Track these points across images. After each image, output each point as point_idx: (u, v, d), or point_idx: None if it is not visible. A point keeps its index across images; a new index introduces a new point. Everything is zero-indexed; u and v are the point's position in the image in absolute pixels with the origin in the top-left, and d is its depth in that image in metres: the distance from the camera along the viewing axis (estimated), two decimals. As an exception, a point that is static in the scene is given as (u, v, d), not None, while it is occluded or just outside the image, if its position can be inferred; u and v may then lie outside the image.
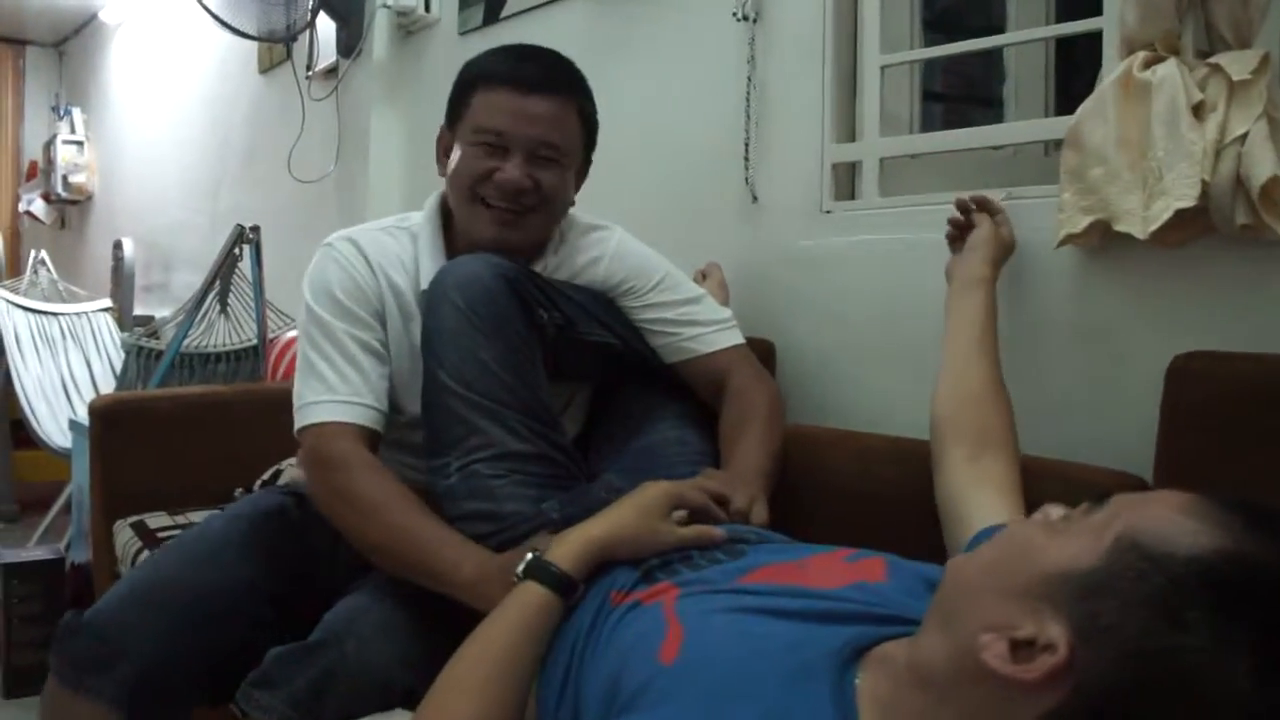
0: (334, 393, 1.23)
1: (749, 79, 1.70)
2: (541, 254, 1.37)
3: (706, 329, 1.39)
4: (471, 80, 1.31)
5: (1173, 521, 0.64)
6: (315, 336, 1.27)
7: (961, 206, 1.37)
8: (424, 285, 1.28)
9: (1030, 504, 1.07)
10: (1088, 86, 1.66)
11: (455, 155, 1.32)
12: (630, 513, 1.01)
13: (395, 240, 1.35)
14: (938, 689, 0.70)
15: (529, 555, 0.97)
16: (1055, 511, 0.73)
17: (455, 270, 1.21)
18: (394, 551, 1.13)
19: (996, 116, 1.72)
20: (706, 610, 0.86)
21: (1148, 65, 1.21)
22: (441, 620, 1.12)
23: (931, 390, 1.43)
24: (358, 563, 1.28)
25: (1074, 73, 1.64)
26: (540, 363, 1.23)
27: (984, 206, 1.36)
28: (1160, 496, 0.69)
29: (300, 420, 1.24)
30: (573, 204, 1.39)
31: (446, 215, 1.38)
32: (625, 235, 1.44)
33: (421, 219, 1.38)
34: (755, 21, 1.69)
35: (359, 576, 1.24)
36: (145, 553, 1.70)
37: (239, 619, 1.18)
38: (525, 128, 1.27)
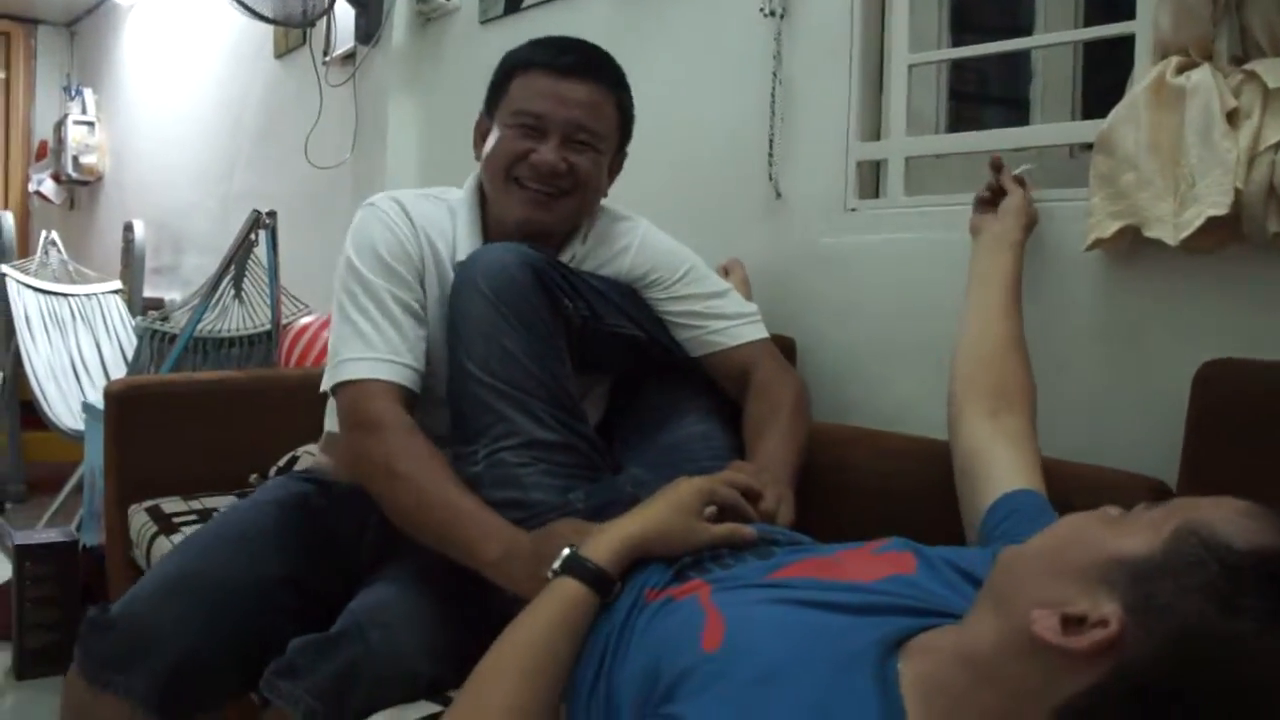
0: (374, 350, 1.22)
1: (774, 75, 1.69)
2: (569, 242, 1.37)
3: (732, 322, 1.40)
4: (511, 66, 1.32)
5: (1231, 519, 0.67)
6: (356, 293, 1.26)
7: (996, 164, 1.39)
8: (460, 257, 1.29)
9: (1054, 507, 1.06)
10: (1115, 89, 1.66)
11: (492, 138, 1.33)
12: (665, 510, 1.01)
13: (435, 208, 1.36)
14: (983, 668, 0.71)
15: (565, 551, 0.97)
16: (1114, 511, 0.74)
17: (483, 258, 1.21)
18: (424, 520, 1.13)
19: (1022, 117, 1.71)
20: (747, 602, 0.87)
21: (1181, 71, 1.21)
22: (467, 611, 1.13)
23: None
24: (381, 551, 1.29)
25: (1102, 75, 1.63)
26: (565, 353, 1.24)
27: (1018, 181, 1.39)
28: (1219, 500, 0.70)
29: (336, 376, 1.23)
30: (605, 194, 1.40)
31: (482, 198, 1.38)
32: (651, 227, 1.44)
33: (460, 195, 1.38)
34: (782, 18, 1.68)
35: (382, 565, 1.25)
36: (161, 538, 1.70)
37: (268, 609, 1.19)
38: (562, 110, 1.28)
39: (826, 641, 0.78)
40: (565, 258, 1.33)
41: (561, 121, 1.28)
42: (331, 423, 1.31)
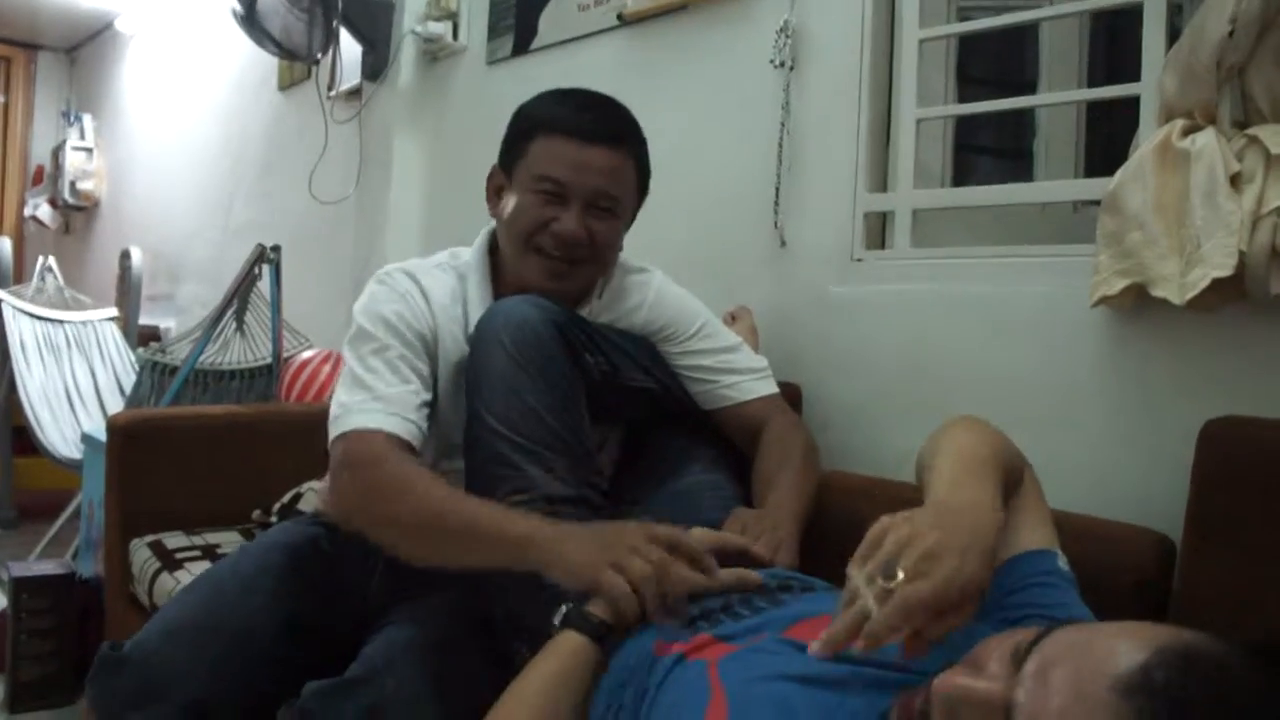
0: (375, 400, 1.21)
1: (783, 125, 1.72)
2: (586, 298, 1.38)
3: (743, 377, 1.41)
4: (532, 125, 1.32)
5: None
6: (363, 353, 1.26)
7: None
8: (471, 329, 1.29)
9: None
10: (1116, 145, 1.70)
11: (510, 201, 1.33)
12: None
13: (447, 278, 1.36)
14: None
15: (564, 607, 0.98)
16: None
17: (504, 312, 1.22)
18: (433, 526, 1.10)
19: (1025, 170, 1.75)
20: (749, 678, 0.86)
21: (1186, 134, 1.24)
22: (480, 656, 1.14)
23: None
24: (390, 595, 1.29)
25: (1103, 131, 1.67)
26: (584, 407, 1.25)
27: None
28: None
29: (337, 428, 1.21)
30: (620, 249, 1.41)
31: (492, 254, 1.39)
32: (664, 279, 1.46)
33: (470, 259, 1.39)
34: (791, 69, 1.71)
35: (392, 609, 1.25)
36: (164, 574, 1.70)
37: (279, 653, 1.19)
38: (585, 179, 1.29)
39: None
40: (584, 312, 1.35)
41: (584, 190, 1.29)
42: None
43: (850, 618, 0.76)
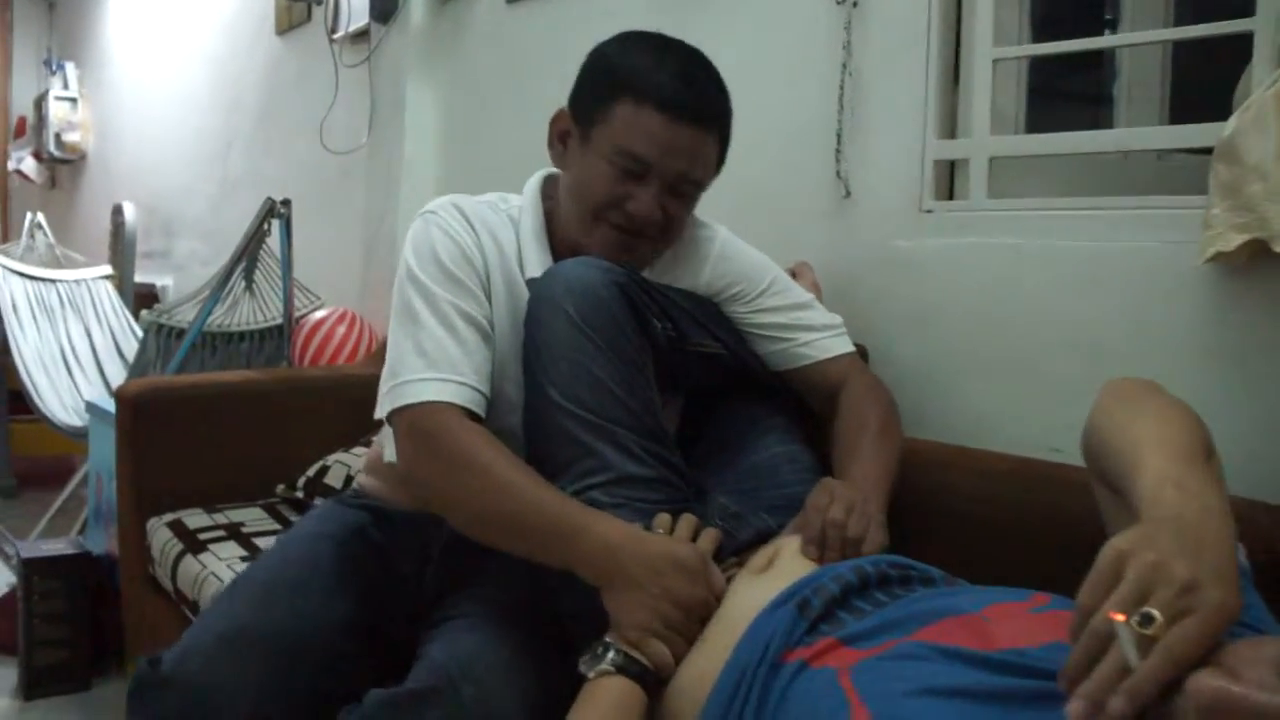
0: (435, 369, 1.10)
1: (844, 66, 1.59)
2: (648, 258, 1.27)
3: (820, 335, 1.31)
4: (619, 83, 1.17)
5: None
6: (416, 307, 1.14)
7: None
8: (528, 273, 1.19)
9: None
10: (1206, 89, 1.57)
11: (581, 162, 1.20)
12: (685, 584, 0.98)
13: (498, 217, 1.25)
14: None
15: (610, 652, 0.94)
16: None
17: (565, 276, 1.11)
18: (509, 517, 1.03)
19: (1101, 116, 1.63)
20: (893, 693, 0.77)
21: (1314, 74, 1.12)
22: (560, 656, 1.04)
23: (1044, 407, 1.38)
24: (446, 584, 1.19)
25: (1193, 73, 1.54)
26: (653, 377, 1.14)
27: None
28: None
29: (395, 400, 1.10)
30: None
31: (545, 203, 1.27)
32: (729, 235, 1.35)
33: (523, 205, 1.27)
34: (854, 5, 1.58)
35: (449, 600, 1.16)
36: (189, 557, 1.60)
37: (334, 659, 1.09)
38: (670, 161, 1.16)
39: None
40: (645, 273, 1.23)
41: (667, 170, 1.17)
42: (390, 452, 1.21)
43: (1108, 672, 0.64)
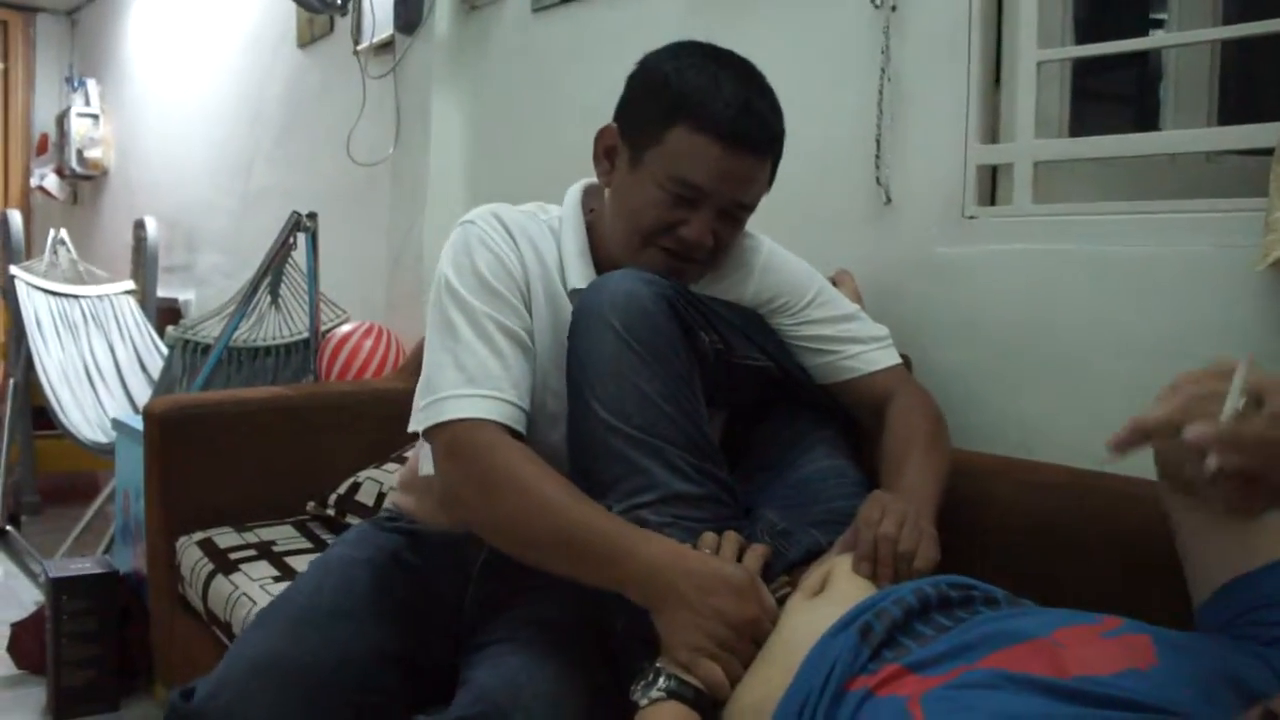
0: (474, 384, 1.07)
1: (883, 71, 1.56)
2: None
3: (867, 347, 1.28)
4: (674, 107, 1.12)
5: None
6: (453, 320, 1.11)
7: None
8: (570, 284, 1.16)
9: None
10: (1256, 89, 1.53)
11: (632, 185, 1.16)
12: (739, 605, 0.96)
13: (538, 228, 1.22)
14: None
15: (662, 678, 0.92)
16: None
17: (610, 289, 1.08)
18: (553, 536, 0.99)
19: (1146, 118, 1.59)
20: None
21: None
22: (608, 678, 1.02)
23: (1093, 416, 1.34)
24: (487, 607, 1.16)
25: (1241, 73, 1.50)
26: (700, 392, 1.11)
27: None
28: None
29: (433, 417, 1.07)
30: None
31: (588, 209, 1.25)
32: (773, 244, 1.32)
33: (563, 215, 1.24)
34: (893, 9, 1.55)
35: (491, 624, 1.12)
36: (220, 577, 1.57)
37: (371, 690, 1.06)
38: (725, 188, 1.13)
39: None
40: (690, 285, 1.20)
41: (721, 199, 1.14)
42: (426, 466, 1.18)
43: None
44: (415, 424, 1.12)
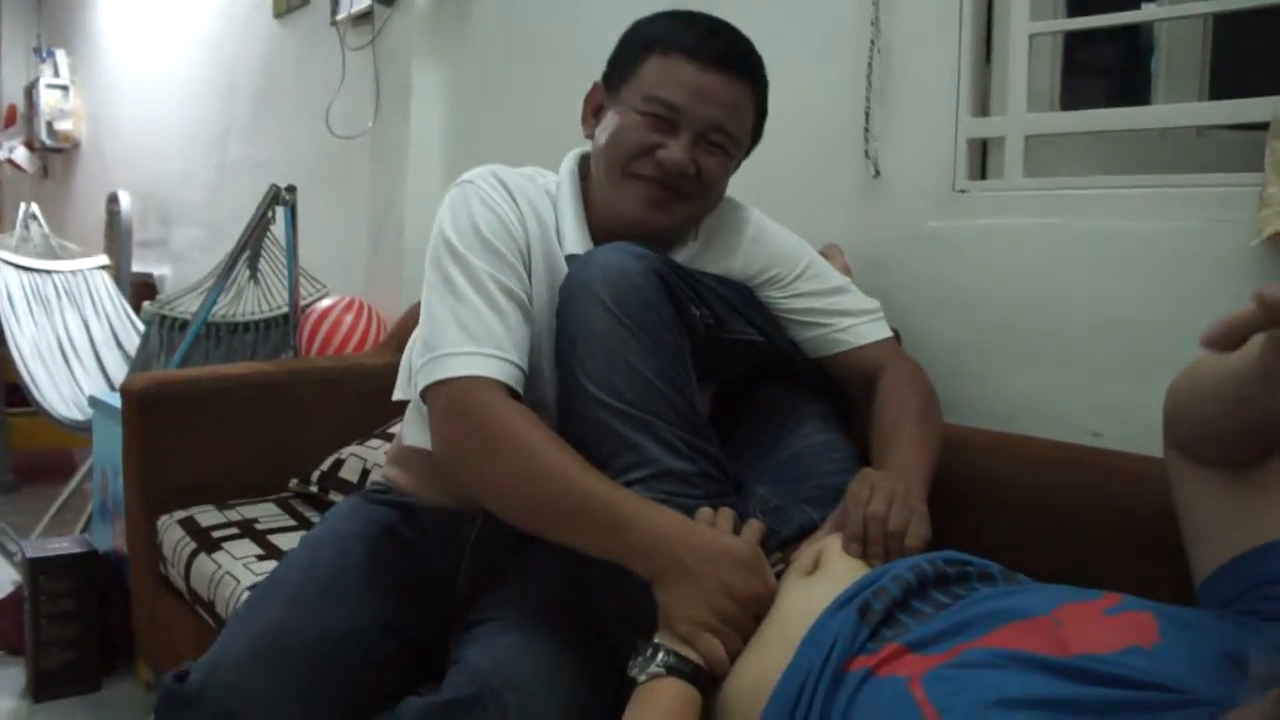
0: (475, 342, 1.04)
1: (872, 43, 1.54)
2: (682, 241, 1.23)
3: (858, 320, 1.27)
4: (647, 42, 1.15)
5: None
6: (454, 278, 1.08)
7: None
8: (567, 249, 1.15)
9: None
10: (1247, 63, 1.52)
11: (611, 120, 1.16)
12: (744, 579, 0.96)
13: (536, 190, 1.20)
14: None
15: (660, 653, 0.90)
16: None
17: (600, 263, 1.06)
18: (555, 502, 0.97)
19: (1136, 92, 1.58)
20: (975, 703, 0.73)
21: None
22: (601, 657, 1.00)
23: (1084, 390, 1.34)
24: (480, 581, 1.15)
25: (1232, 48, 1.49)
26: (691, 367, 1.09)
27: None
28: None
29: (432, 373, 1.04)
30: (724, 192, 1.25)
31: (583, 183, 1.23)
32: (761, 216, 1.31)
33: (558, 179, 1.22)
34: (883, -21, 1.53)
35: (484, 600, 1.12)
36: (203, 556, 1.55)
37: (369, 664, 1.04)
38: (701, 106, 1.12)
39: None
40: (679, 258, 1.19)
41: (699, 118, 1.13)
42: (416, 435, 1.16)
43: None
44: (419, 380, 1.08)
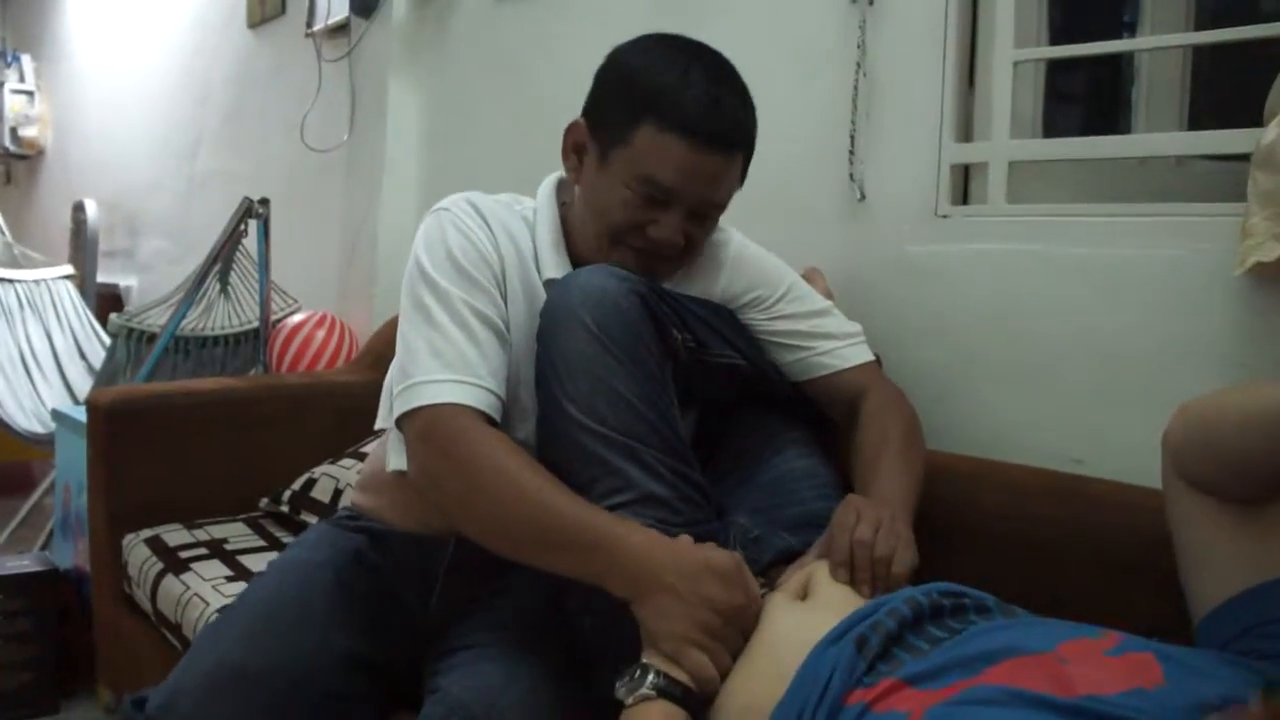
0: (450, 370, 1.03)
1: (858, 66, 1.54)
2: None
3: (840, 343, 1.26)
4: (642, 104, 1.09)
5: None
6: (428, 305, 1.08)
7: None
8: (545, 274, 1.14)
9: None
10: (1226, 94, 1.54)
11: (600, 182, 1.14)
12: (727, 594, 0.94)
13: (513, 217, 1.19)
14: None
15: (650, 674, 0.88)
16: None
17: (581, 284, 1.04)
18: (533, 526, 0.96)
19: (1117, 120, 1.59)
20: None
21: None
22: (580, 684, 0.98)
23: (1064, 417, 1.34)
24: (452, 606, 1.13)
25: (1211, 78, 1.51)
26: (673, 391, 1.08)
27: None
28: None
29: (408, 402, 1.03)
30: None
31: (561, 204, 1.22)
32: (742, 238, 1.30)
33: (537, 208, 1.21)
34: (870, 4, 1.53)
35: (458, 627, 1.09)
36: (170, 577, 1.51)
37: (334, 697, 1.01)
38: (694, 187, 1.11)
39: None
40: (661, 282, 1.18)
41: (691, 197, 1.11)
42: (396, 462, 1.14)
43: None
44: (381, 420, 1.08)
